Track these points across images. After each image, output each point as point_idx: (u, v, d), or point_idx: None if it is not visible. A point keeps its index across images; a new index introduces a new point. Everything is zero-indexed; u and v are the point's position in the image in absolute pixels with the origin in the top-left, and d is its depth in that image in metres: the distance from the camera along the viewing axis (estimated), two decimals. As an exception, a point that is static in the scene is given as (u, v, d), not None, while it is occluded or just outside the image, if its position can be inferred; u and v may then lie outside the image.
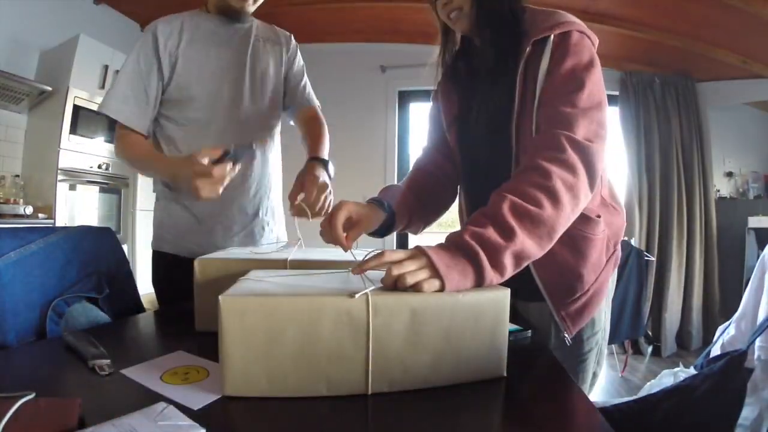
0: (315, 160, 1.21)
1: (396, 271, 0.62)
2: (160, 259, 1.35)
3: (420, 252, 0.66)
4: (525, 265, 0.73)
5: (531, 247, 0.72)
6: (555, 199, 0.74)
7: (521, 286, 0.82)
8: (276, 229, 1.44)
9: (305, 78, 1.47)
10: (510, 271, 0.70)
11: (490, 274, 0.67)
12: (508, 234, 0.70)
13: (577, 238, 0.90)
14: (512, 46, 0.91)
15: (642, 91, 3.90)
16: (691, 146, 3.87)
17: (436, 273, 0.63)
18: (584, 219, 0.90)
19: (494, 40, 0.94)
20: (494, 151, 0.96)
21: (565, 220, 0.76)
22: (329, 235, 0.82)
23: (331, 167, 1.22)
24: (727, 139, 4.07)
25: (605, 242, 0.96)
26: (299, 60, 1.47)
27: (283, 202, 1.43)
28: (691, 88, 3.93)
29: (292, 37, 1.47)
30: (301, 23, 3.83)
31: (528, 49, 0.88)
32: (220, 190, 0.96)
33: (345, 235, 0.82)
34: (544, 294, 0.92)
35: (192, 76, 1.25)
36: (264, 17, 1.42)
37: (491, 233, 0.69)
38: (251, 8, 1.28)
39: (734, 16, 2.97)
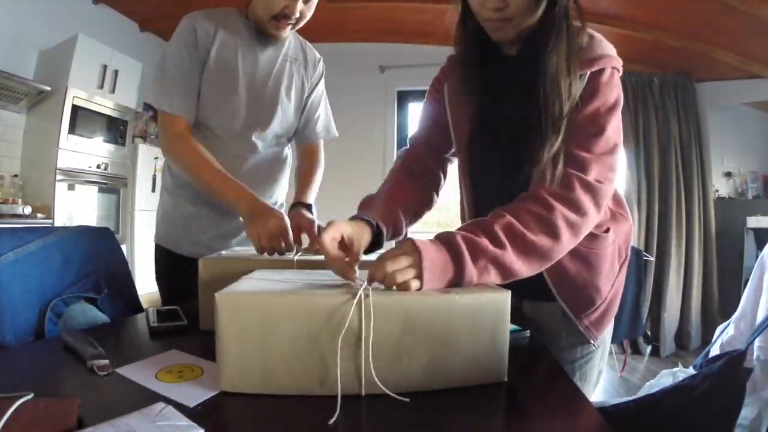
0: (301, 206, 1.27)
1: (390, 267, 0.65)
2: (165, 254, 1.34)
3: (413, 248, 0.68)
4: (510, 279, 0.74)
5: (518, 265, 0.74)
6: (553, 233, 0.77)
7: (530, 285, 0.82)
8: None
9: (320, 109, 1.43)
10: (493, 277, 0.72)
11: (471, 272, 0.69)
12: (498, 245, 0.73)
13: (588, 255, 0.92)
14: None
15: (641, 91, 3.91)
16: (689, 146, 3.87)
17: (419, 273, 0.66)
18: (593, 237, 0.90)
19: (551, 64, 0.84)
20: (511, 174, 0.91)
21: (560, 252, 0.79)
22: (333, 263, 0.76)
23: (314, 210, 1.29)
24: (726, 139, 4.07)
25: (616, 252, 0.98)
26: (320, 88, 1.43)
27: (286, 205, 1.43)
28: (690, 88, 3.93)
29: (321, 61, 1.44)
30: (300, 23, 3.82)
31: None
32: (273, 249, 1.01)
33: (344, 255, 0.77)
34: (565, 308, 0.93)
35: (210, 91, 1.22)
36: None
37: (482, 239, 0.72)
38: (287, 33, 1.25)
39: (733, 17, 2.97)
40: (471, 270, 0.70)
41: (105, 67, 3.28)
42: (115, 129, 3.42)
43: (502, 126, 0.95)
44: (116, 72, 3.35)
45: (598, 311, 0.95)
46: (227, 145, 1.26)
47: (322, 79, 1.44)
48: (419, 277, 0.66)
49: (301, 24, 1.22)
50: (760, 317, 1.54)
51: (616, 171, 0.85)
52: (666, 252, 3.80)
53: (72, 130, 3.06)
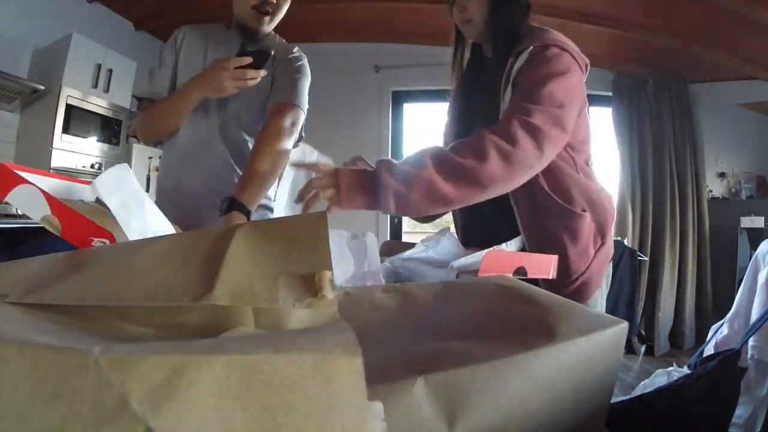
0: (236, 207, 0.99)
1: (313, 184, 0.80)
2: None
3: (334, 172, 0.82)
4: (439, 201, 0.84)
5: (442, 184, 0.83)
6: (480, 155, 0.85)
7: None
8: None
9: (296, 75, 1.24)
10: (417, 195, 0.82)
11: (388, 187, 0.81)
12: (420, 167, 0.83)
13: (562, 230, 0.97)
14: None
15: (635, 92, 3.92)
16: (683, 147, 3.89)
17: (337, 186, 0.80)
18: (569, 213, 0.97)
19: (501, 56, 1.02)
20: None
21: (489, 175, 0.85)
22: None
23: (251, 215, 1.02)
24: (720, 139, 4.09)
25: (592, 235, 1.01)
26: (296, 64, 1.27)
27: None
28: (684, 88, 3.95)
29: (303, 55, 1.31)
30: (296, 22, 3.80)
31: (510, 60, 0.98)
32: (240, 84, 1.05)
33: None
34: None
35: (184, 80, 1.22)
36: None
37: (403, 164, 0.85)
38: (267, 27, 1.23)
39: (727, 18, 2.99)
40: (388, 185, 0.80)
41: (99, 66, 3.26)
42: (109, 129, 3.40)
43: (479, 112, 1.09)
44: (110, 71, 3.33)
45: (570, 288, 0.98)
46: (194, 141, 1.27)
47: (301, 62, 1.28)
48: (337, 191, 0.80)
49: (278, 16, 1.24)
50: (754, 316, 1.55)
51: (566, 128, 0.92)
52: (660, 252, 3.81)
53: (66, 129, 3.04)
